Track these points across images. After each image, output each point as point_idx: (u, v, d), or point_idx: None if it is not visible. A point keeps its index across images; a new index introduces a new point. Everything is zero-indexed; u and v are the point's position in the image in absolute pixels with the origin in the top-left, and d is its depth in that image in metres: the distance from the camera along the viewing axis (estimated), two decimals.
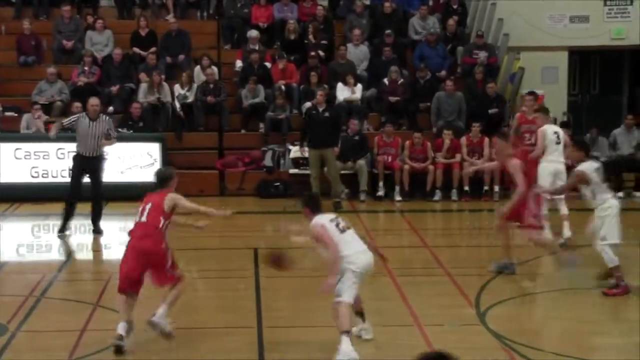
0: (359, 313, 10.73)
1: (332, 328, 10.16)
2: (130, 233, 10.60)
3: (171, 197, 10.58)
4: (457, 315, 11.67)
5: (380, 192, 19.36)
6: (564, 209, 15.29)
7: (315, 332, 10.98)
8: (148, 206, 10.52)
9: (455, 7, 23.21)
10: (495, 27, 22.76)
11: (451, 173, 19.38)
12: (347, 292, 10.11)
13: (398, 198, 19.21)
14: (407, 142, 19.57)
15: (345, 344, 9.96)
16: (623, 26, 23.77)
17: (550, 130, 15.58)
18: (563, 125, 20.28)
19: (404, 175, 19.29)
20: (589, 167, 12.54)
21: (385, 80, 21.08)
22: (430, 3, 23.37)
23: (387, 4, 22.78)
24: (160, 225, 10.43)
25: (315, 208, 10.53)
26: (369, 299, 11.11)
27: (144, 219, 10.49)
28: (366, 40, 22.37)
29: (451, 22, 22.63)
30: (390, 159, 19.54)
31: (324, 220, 10.37)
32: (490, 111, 20.52)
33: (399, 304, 12.09)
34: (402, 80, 21.20)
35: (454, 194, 19.38)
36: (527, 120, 16.27)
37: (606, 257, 12.44)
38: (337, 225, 10.35)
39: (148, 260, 10.39)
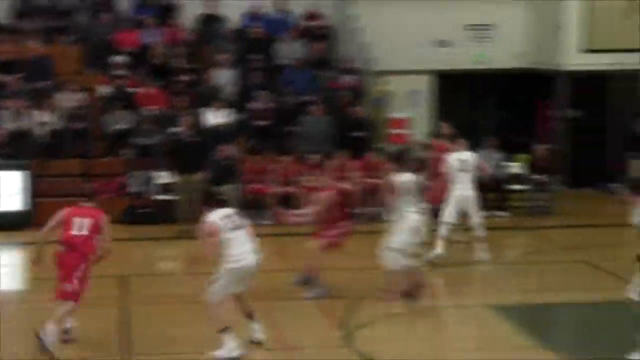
0: (248, 315, 10.73)
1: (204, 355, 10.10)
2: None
3: None
4: (325, 337, 11.73)
5: (250, 216, 19.30)
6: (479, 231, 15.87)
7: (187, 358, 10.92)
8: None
9: (321, 31, 23.41)
10: (362, 52, 23.01)
11: None
12: (219, 291, 10.10)
13: (267, 222, 19.24)
14: (275, 166, 19.59)
15: (228, 342, 9.90)
16: (485, 50, 24.35)
17: (456, 158, 16.08)
18: (427, 147, 20.70)
19: (273, 199, 19.31)
20: (400, 178, 13.07)
21: (253, 105, 21.11)
22: (297, 28, 23.50)
23: (254, 29, 22.86)
24: None
25: (212, 204, 10.63)
26: (236, 323, 11.08)
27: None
28: (233, 65, 22.38)
29: (318, 46, 22.81)
30: (259, 184, 19.54)
31: (217, 216, 10.42)
32: (356, 135, 20.73)
33: (267, 327, 12.09)
34: (269, 104, 21.26)
35: None
36: (443, 147, 16.84)
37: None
38: (230, 222, 10.40)
39: None
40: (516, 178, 20.58)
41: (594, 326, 12.71)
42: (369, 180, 18.82)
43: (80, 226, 11.15)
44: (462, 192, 15.85)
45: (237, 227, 10.51)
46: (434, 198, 15.51)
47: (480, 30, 24.34)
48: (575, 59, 22.64)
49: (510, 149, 21.43)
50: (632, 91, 22.74)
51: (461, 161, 16.03)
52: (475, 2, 23.94)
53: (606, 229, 19.05)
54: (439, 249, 15.78)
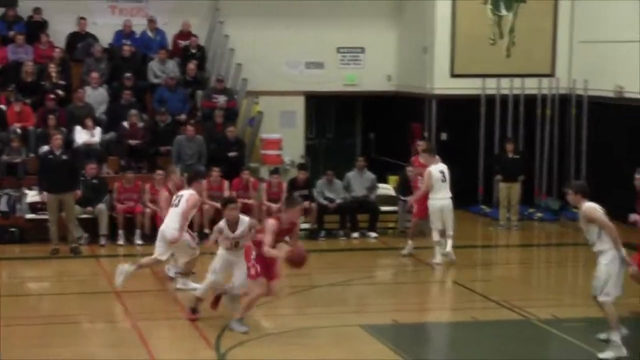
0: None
1: None
2: None
3: None
4: (198, 358, 11.69)
5: (121, 239, 19.11)
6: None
7: None
8: None
9: (194, 51, 23.37)
10: (234, 72, 23.06)
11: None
12: None
13: (139, 242, 19.07)
14: (147, 186, 19.44)
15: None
16: (355, 73, 24.61)
17: (436, 170, 17.25)
18: (301, 167, 20.86)
19: (145, 219, 19.15)
20: None
21: (125, 124, 20.93)
22: (169, 47, 23.43)
23: (125, 48, 22.69)
24: None
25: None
26: (108, 346, 10.97)
27: None
28: (105, 83, 22.17)
29: (191, 66, 22.76)
30: (131, 203, 19.36)
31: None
32: (230, 154, 20.74)
33: (139, 349, 11.99)
34: (142, 123, 21.11)
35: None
36: (420, 163, 18.28)
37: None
38: None
39: None
40: (387, 199, 20.76)
41: (462, 345, 12.86)
42: (243, 200, 18.79)
43: None
44: (442, 201, 17.19)
45: None
46: (420, 213, 17.68)
47: (351, 52, 24.60)
48: (442, 83, 22.94)
49: (382, 170, 21.72)
50: (501, 115, 23.10)
51: (441, 172, 17.24)
52: (347, 25, 24.24)
53: (477, 250, 19.49)
54: (438, 256, 17.17)
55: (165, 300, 14.59)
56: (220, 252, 13.22)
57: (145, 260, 14.79)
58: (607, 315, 11.79)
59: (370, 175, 20.59)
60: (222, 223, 13.25)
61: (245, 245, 12.90)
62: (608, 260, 11.58)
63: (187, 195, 14.50)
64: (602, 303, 11.74)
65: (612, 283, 11.62)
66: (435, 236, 17.23)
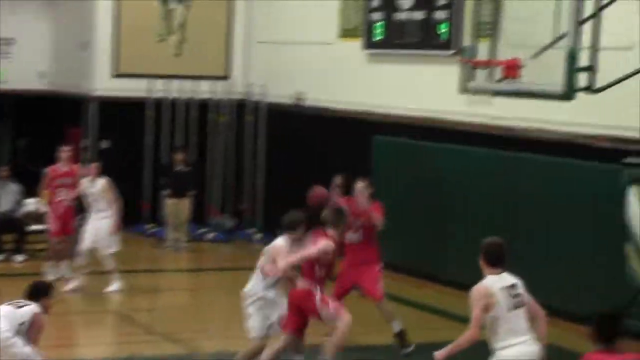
0: None
1: None
2: None
3: None
4: None
5: None
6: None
7: None
8: None
9: None
10: None
11: None
12: None
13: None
14: None
15: None
16: (4, 68, 21.73)
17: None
18: None
19: None
20: None
21: None
22: None
23: None
24: None
25: None
26: None
27: None
28: None
29: None
30: None
31: None
32: None
33: None
34: None
35: None
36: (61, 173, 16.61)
37: None
38: None
39: None
40: (37, 216, 18.30)
41: None
42: None
43: None
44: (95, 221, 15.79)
45: None
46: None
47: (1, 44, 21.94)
48: (104, 84, 20.96)
49: (30, 182, 19.00)
50: (170, 121, 21.29)
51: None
52: None
53: (140, 275, 17.85)
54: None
55: None
56: None
57: None
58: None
59: (15, 188, 18.45)
60: None
61: None
62: None
63: None
64: None
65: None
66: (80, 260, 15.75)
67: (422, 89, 17.32)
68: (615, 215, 13.27)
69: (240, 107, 21.58)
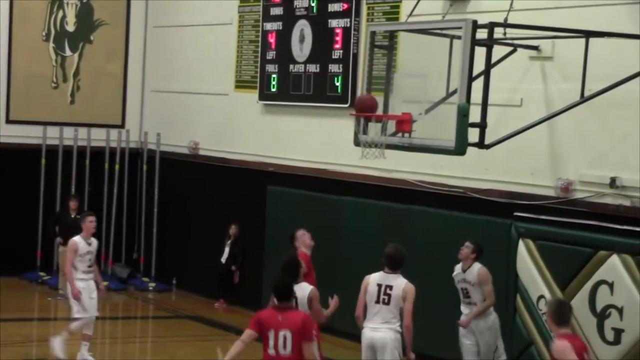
0: None
1: None
2: None
3: None
4: None
5: None
6: None
7: None
8: None
9: None
10: None
11: None
12: None
13: None
14: None
15: None
16: None
17: None
18: None
19: None
20: None
21: None
22: None
23: None
24: None
25: None
26: None
27: None
28: None
29: None
30: None
31: None
32: None
33: None
34: None
35: None
36: None
37: None
38: None
39: None
40: None
41: None
42: None
43: None
44: None
45: None
46: None
47: None
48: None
49: None
50: (64, 169, 20.81)
51: None
52: None
53: (34, 323, 17.57)
54: None
55: None
56: None
57: None
58: None
59: None
60: None
61: None
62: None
63: None
64: None
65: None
66: None
67: (316, 140, 17.37)
68: (506, 268, 13.48)
69: (135, 155, 21.36)
